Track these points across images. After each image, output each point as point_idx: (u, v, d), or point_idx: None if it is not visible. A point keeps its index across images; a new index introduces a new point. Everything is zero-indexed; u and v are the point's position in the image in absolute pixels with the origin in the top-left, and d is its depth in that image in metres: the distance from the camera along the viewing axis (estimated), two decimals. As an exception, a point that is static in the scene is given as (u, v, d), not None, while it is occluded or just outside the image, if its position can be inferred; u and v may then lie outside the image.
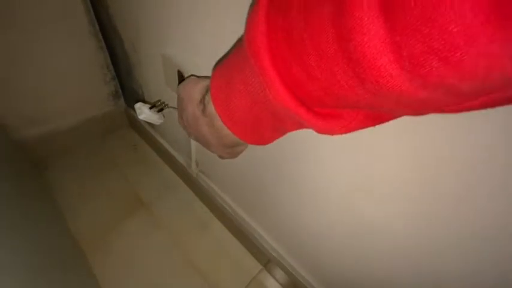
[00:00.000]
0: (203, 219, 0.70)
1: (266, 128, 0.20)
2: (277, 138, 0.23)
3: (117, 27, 0.58)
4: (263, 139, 0.22)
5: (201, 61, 0.38)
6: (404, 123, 0.22)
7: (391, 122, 0.16)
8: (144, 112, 0.41)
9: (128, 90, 0.77)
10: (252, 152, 0.35)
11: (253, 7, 0.15)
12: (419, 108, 0.12)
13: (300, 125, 0.18)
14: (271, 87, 0.15)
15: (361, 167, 0.28)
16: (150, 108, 0.42)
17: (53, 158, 0.76)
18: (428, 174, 0.23)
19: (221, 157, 0.34)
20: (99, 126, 0.83)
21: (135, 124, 0.86)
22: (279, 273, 0.57)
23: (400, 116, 0.15)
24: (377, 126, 0.16)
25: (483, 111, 0.11)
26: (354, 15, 0.09)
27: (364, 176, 0.28)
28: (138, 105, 0.41)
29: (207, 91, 0.24)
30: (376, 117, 0.15)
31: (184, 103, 0.28)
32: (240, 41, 0.19)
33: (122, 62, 0.68)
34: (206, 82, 0.26)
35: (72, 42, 0.64)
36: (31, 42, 0.58)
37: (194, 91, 0.26)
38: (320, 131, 0.16)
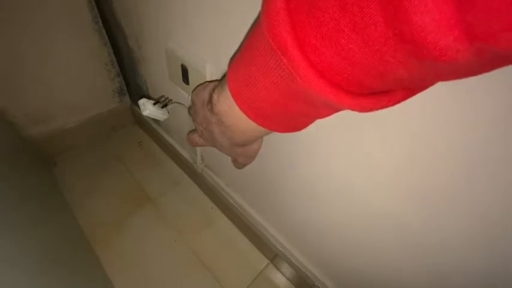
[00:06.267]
0: (209, 214, 0.71)
1: (299, 116, 0.20)
2: (311, 123, 0.22)
3: (121, 23, 0.58)
4: (297, 127, 0.22)
5: (205, 55, 0.38)
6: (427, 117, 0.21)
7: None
8: (148, 108, 0.41)
9: (133, 86, 0.77)
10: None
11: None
12: (469, 75, 0.12)
13: (337, 110, 0.18)
14: (305, 78, 0.14)
15: (372, 159, 0.27)
16: (154, 104, 0.42)
17: (60, 155, 0.78)
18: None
19: (237, 163, 0.33)
20: (105, 123, 0.83)
21: (140, 121, 0.86)
22: (286, 268, 0.57)
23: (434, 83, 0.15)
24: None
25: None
26: None
27: (373, 168, 0.28)
28: (142, 101, 0.41)
29: (213, 90, 0.24)
30: (411, 89, 0.15)
31: (196, 107, 0.28)
32: (253, 33, 0.18)
33: (126, 58, 0.68)
34: (215, 83, 0.26)
35: (76, 40, 0.64)
36: (35, 40, 0.59)
37: (204, 93, 0.26)
38: (362, 110, 0.15)
